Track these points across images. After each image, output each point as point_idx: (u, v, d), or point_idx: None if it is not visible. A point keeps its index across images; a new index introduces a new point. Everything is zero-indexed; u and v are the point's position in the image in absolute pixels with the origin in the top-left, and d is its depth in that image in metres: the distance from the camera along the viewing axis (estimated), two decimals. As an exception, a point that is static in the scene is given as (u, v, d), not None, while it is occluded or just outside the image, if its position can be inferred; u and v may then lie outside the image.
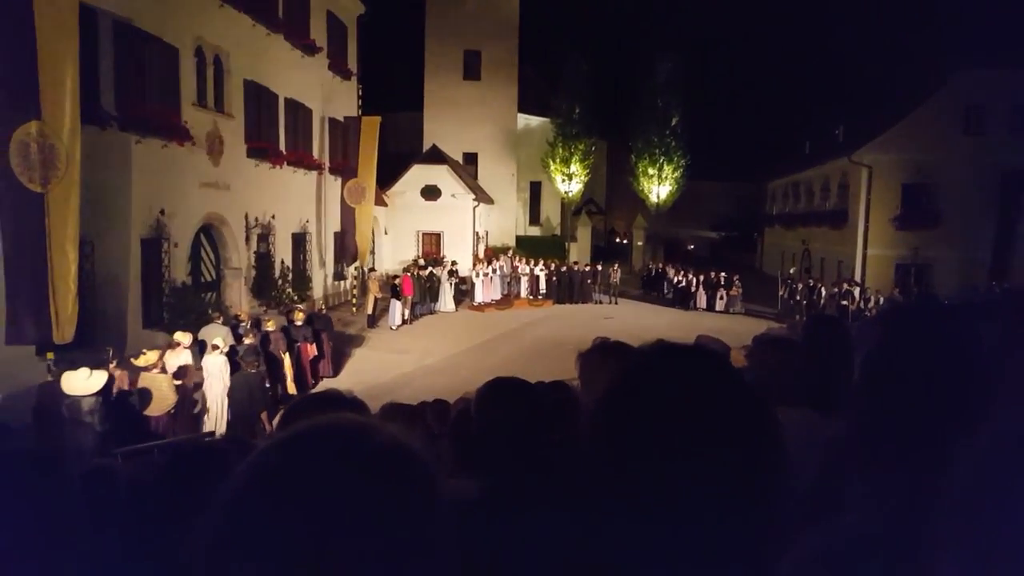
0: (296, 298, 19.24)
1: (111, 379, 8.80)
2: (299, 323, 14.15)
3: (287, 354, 13.10)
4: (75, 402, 8.27)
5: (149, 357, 10.07)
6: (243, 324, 13.13)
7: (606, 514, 0.83)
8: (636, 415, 0.84)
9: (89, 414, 8.29)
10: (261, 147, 18.50)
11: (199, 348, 11.56)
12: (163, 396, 9.78)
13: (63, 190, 9.77)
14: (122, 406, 9.09)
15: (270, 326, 13.32)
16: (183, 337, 11.09)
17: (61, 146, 9.70)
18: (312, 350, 14.27)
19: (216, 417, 10.95)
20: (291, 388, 12.91)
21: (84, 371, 8.47)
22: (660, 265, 31.17)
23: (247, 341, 12.13)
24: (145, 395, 9.63)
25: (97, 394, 8.34)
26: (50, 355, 9.79)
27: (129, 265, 13.29)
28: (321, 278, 22.85)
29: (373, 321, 20.59)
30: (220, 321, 13.02)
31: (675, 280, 28.16)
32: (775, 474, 0.82)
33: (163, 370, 10.09)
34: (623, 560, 0.80)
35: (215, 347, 11.16)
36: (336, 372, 15.30)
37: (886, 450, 1.13)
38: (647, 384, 0.87)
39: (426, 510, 0.63)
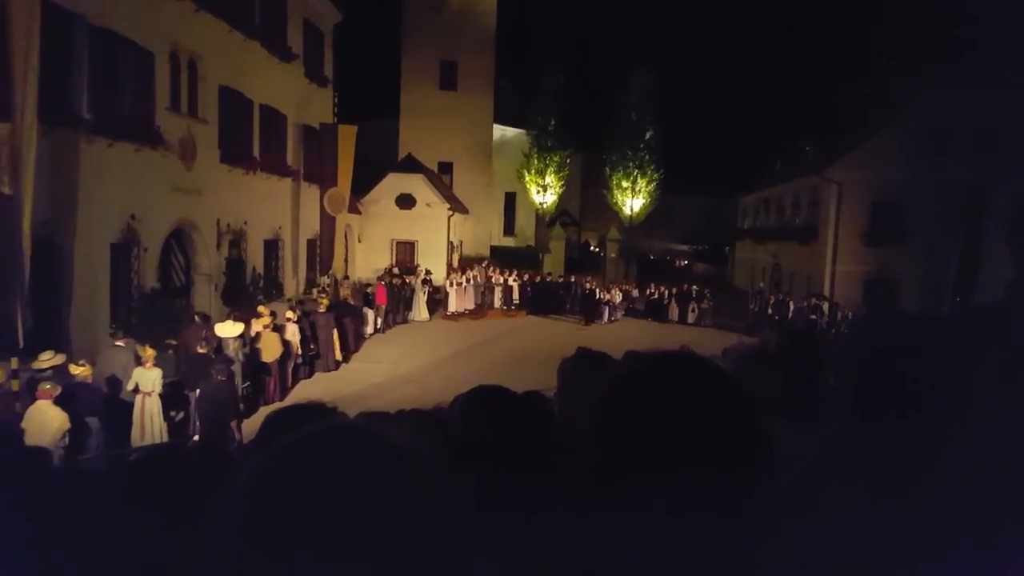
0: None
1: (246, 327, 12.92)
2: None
3: (336, 331, 16.27)
4: (226, 342, 12.26)
5: (265, 319, 13.60)
6: (298, 304, 16.79)
7: (598, 517, 0.85)
8: (633, 418, 0.86)
9: (234, 351, 12.24)
10: (235, 153, 18.32)
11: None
12: (274, 347, 13.23)
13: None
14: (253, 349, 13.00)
15: (322, 307, 16.42)
16: (264, 310, 14.38)
17: (22, 149, 9.52)
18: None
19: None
20: (338, 355, 16.46)
21: (228, 322, 12.73)
22: (592, 285, 27.59)
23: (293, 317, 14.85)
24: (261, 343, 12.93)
25: (239, 337, 12.43)
26: (14, 361, 9.54)
27: (98, 270, 13.04)
28: (293, 285, 22.63)
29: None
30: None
31: (638, 295, 28.43)
32: (765, 474, 0.84)
33: (274, 328, 13.57)
34: (612, 561, 0.82)
35: (288, 319, 14.56)
36: (356, 349, 18.26)
37: (880, 449, 1.16)
38: (642, 389, 0.89)
39: (433, 511, 0.64)
